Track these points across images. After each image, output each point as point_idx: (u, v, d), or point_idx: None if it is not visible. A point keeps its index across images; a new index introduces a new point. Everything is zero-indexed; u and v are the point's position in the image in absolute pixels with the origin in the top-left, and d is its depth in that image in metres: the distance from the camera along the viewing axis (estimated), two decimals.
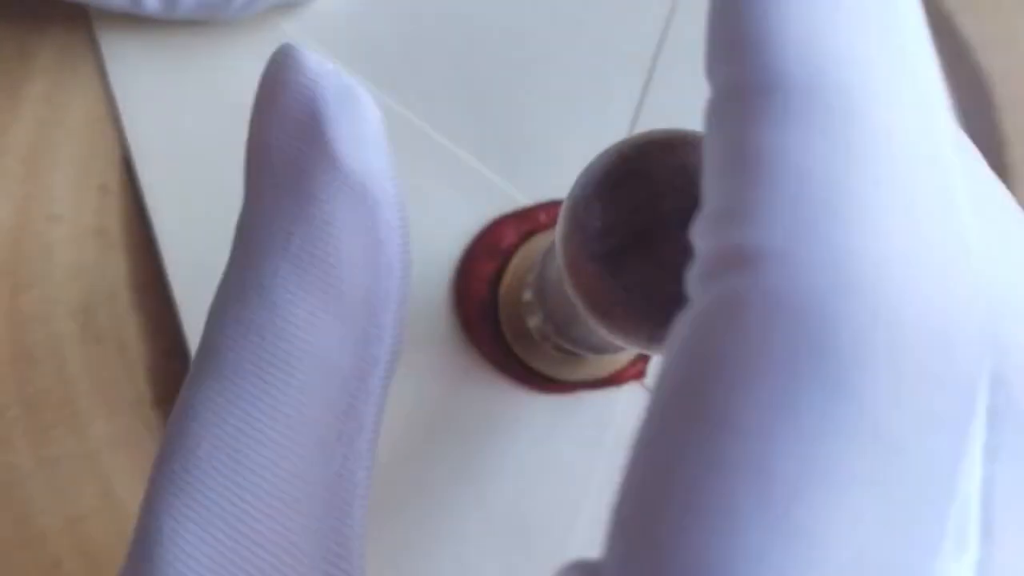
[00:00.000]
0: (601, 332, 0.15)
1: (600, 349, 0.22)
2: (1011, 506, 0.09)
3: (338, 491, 0.12)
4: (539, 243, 0.26)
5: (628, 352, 0.26)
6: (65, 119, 0.27)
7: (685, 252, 0.13)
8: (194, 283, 0.26)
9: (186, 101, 0.27)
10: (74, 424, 0.26)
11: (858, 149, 0.09)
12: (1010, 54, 0.29)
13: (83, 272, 0.27)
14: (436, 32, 0.28)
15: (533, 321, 0.25)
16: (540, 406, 0.26)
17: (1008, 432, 0.09)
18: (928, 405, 0.09)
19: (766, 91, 0.10)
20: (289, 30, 0.28)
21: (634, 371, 0.26)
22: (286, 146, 0.13)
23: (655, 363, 0.27)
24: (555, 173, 0.27)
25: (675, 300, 0.13)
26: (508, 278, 0.26)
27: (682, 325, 0.10)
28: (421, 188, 0.27)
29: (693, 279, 0.11)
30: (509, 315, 0.26)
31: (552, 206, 0.27)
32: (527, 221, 0.26)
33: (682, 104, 0.28)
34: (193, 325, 0.26)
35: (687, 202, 0.13)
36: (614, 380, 0.26)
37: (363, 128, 0.13)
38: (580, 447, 0.26)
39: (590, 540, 0.27)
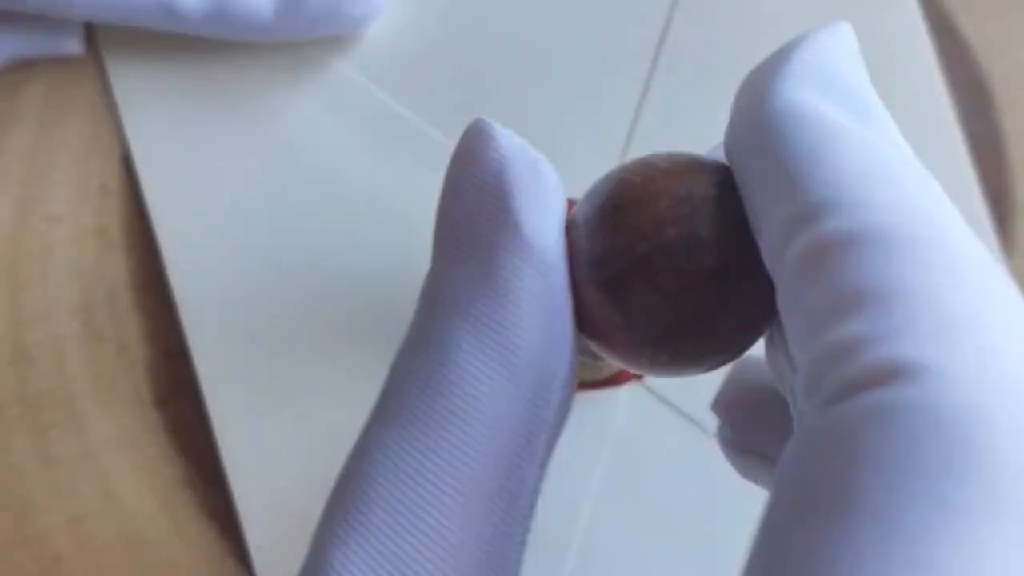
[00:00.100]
0: (601, 355, 0.15)
1: (599, 356, 0.22)
2: None
3: (495, 544, 0.13)
4: None
5: None
6: (65, 119, 0.27)
7: (686, 280, 0.13)
8: (194, 283, 0.26)
9: (186, 101, 0.27)
10: (74, 424, 0.26)
11: (960, 273, 0.11)
12: (1010, 55, 0.29)
13: (83, 272, 0.27)
14: (435, 32, 0.28)
15: None
16: None
17: None
18: None
19: (873, 239, 0.11)
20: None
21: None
22: (474, 215, 0.14)
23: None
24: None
25: (676, 327, 0.13)
26: None
27: (814, 432, 0.11)
28: (421, 188, 0.27)
29: (818, 398, 0.11)
30: None
31: None
32: None
33: (682, 104, 0.28)
34: (193, 325, 0.26)
35: (690, 229, 0.13)
36: (614, 380, 0.26)
37: (545, 200, 0.14)
38: (580, 447, 0.26)
39: (590, 540, 0.27)
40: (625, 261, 0.14)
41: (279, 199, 0.27)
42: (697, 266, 0.13)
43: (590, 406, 0.26)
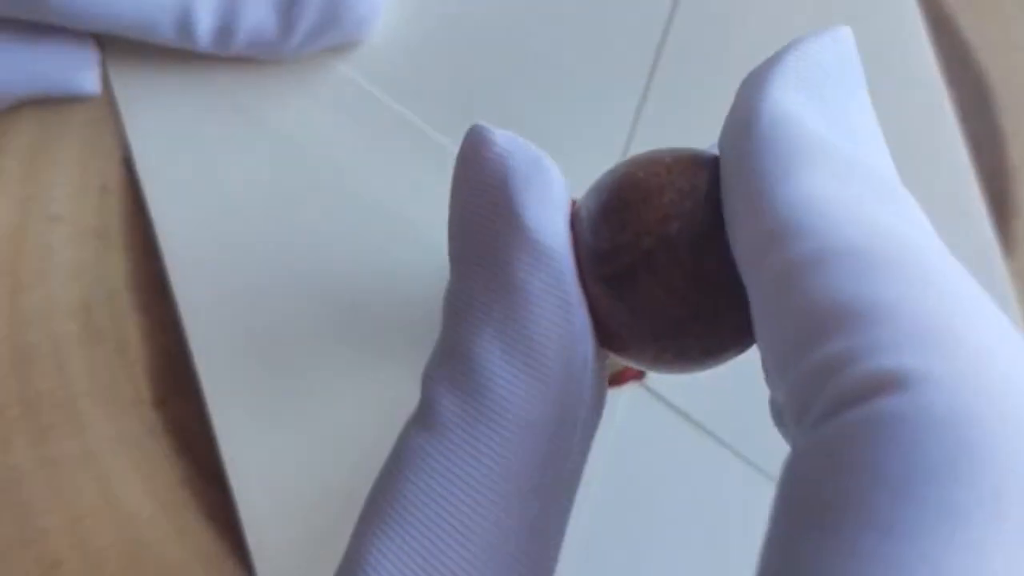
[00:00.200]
0: (605, 350, 0.15)
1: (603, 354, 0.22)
2: None
3: (531, 542, 0.13)
4: None
5: None
6: (65, 119, 0.27)
7: (691, 274, 0.13)
8: (194, 283, 0.26)
9: (186, 102, 0.27)
10: (74, 424, 0.26)
11: (934, 285, 0.11)
12: (1010, 55, 0.29)
13: (83, 272, 0.27)
14: (436, 33, 0.28)
15: None
16: None
17: None
18: None
19: (842, 258, 0.11)
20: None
21: (634, 372, 0.26)
22: (481, 218, 0.14)
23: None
24: None
25: (680, 322, 0.13)
26: None
27: (811, 448, 0.11)
28: (421, 187, 0.27)
29: (809, 420, 0.11)
30: None
31: None
32: None
33: (684, 104, 0.28)
34: (193, 325, 0.26)
35: (695, 225, 0.13)
36: (615, 381, 0.26)
37: (548, 194, 0.14)
38: None
39: (590, 540, 0.27)
40: (629, 256, 0.14)
41: (279, 200, 0.27)
42: (701, 260, 0.13)
43: None
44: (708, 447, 0.27)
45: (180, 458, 0.26)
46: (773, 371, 0.12)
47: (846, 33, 0.14)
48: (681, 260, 0.13)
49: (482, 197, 0.14)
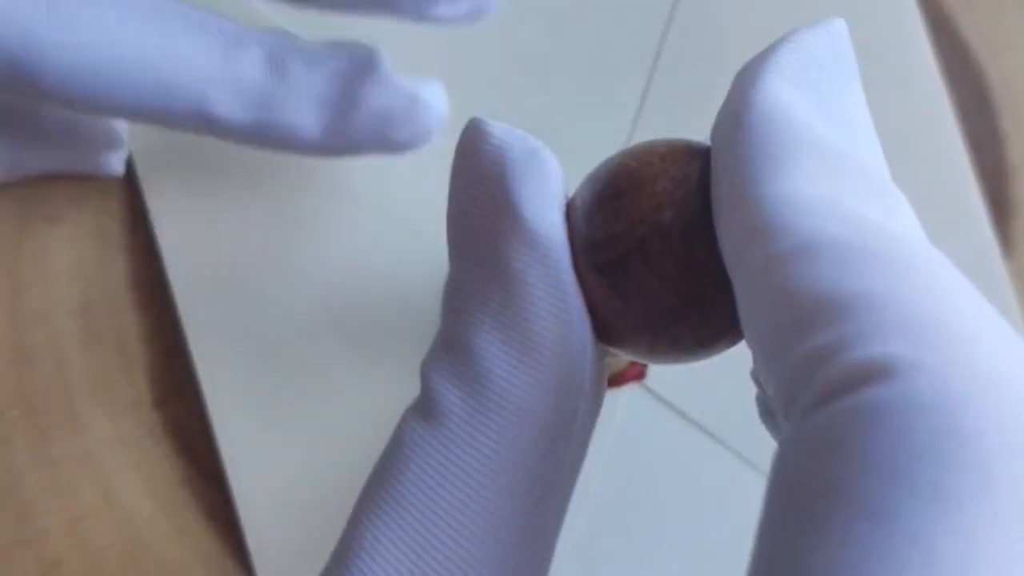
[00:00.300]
0: (601, 343, 0.15)
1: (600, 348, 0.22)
2: None
3: (527, 532, 0.14)
4: None
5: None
6: None
7: (684, 263, 0.13)
8: (194, 283, 0.26)
9: None
10: (74, 424, 0.26)
11: (917, 274, 0.11)
12: (1010, 55, 0.29)
13: (83, 272, 0.27)
14: (436, 33, 0.28)
15: None
16: None
17: None
18: None
19: (825, 250, 0.11)
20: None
21: (634, 372, 0.26)
22: (478, 211, 0.14)
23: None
24: None
25: (674, 311, 0.13)
26: None
27: (800, 438, 0.11)
28: (421, 187, 0.27)
29: (797, 412, 0.11)
30: None
31: None
32: None
33: (683, 103, 0.28)
34: (193, 325, 0.26)
35: (688, 214, 0.13)
36: (614, 381, 0.26)
37: (545, 184, 0.14)
38: None
39: (590, 540, 0.27)
40: (623, 244, 0.14)
41: (279, 199, 0.27)
42: (693, 249, 0.13)
43: None
44: (708, 447, 0.27)
45: (180, 458, 0.26)
46: (761, 363, 0.12)
47: (840, 25, 0.14)
48: (674, 248, 0.13)
49: (479, 189, 0.14)
